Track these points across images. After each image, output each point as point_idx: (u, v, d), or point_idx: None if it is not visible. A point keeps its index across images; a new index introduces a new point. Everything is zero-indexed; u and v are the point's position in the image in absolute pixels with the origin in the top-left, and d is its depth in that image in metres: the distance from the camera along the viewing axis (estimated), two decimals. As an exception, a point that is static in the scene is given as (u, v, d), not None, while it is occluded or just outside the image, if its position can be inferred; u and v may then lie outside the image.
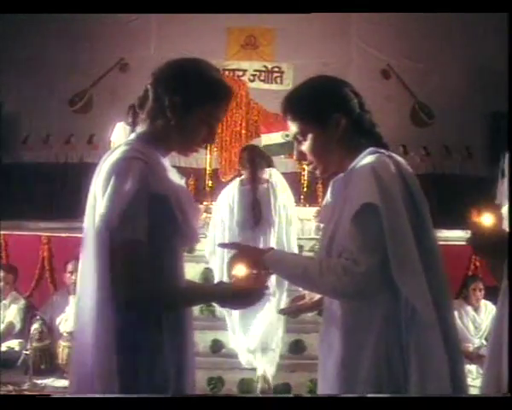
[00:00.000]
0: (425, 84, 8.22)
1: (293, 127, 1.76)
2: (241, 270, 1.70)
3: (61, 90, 8.10)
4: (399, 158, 1.69)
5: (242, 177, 4.56)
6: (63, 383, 4.23)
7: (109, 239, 1.52)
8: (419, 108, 8.27)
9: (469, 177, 8.01)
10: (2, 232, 5.47)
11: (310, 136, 1.73)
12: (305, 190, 6.97)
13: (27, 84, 7.88)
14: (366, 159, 1.65)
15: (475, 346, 4.91)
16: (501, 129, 7.08)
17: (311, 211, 6.40)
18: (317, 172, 1.78)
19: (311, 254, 5.41)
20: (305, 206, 6.42)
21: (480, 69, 7.91)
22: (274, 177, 4.53)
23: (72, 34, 7.85)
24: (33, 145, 8.33)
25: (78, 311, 1.62)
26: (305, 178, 7.05)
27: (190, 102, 1.67)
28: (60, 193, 7.70)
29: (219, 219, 4.49)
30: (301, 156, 1.77)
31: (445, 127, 8.11)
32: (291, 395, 3.87)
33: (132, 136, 1.73)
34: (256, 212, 4.41)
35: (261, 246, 4.11)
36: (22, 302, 5.20)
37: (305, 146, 1.74)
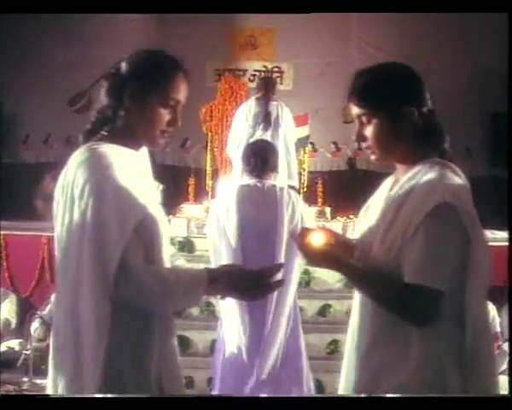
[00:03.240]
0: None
1: (357, 108, 1.70)
2: (319, 239, 1.68)
3: (61, 90, 8.09)
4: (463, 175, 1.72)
5: (258, 95, 6.11)
6: (63, 383, 4.23)
7: None
8: (419, 108, 8.27)
9: (469, 177, 8.00)
10: (3, 232, 5.48)
11: (376, 122, 1.68)
12: (305, 190, 6.96)
13: (27, 84, 7.88)
14: (432, 173, 1.63)
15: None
16: (501, 129, 7.08)
17: (311, 211, 6.40)
18: (373, 157, 1.73)
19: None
20: (304, 206, 6.41)
21: (480, 69, 7.91)
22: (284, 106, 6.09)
23: (72, 34, 7.86)
24: (33, 145, 8.34)
25: None
26: (305, 178, 7.05)
27: (144, 87, 1.69)
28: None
29: (238, 127, 6.03)
30: (361, 138, 1.71)
31: (445, 127, 8.10)
32: (291, 395, 3.86)
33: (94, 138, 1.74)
34: (267, 119, 5.89)
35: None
36: (13, 297, 5.24)
37: (368, 130, 1.69)
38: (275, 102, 6.02)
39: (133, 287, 1.54)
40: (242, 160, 3.63)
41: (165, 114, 1.71)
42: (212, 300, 4.02)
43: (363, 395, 1.52)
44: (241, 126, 6.03)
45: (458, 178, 1.69)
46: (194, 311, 4.52)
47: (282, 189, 3.56)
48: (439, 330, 1.55)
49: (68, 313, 1.57)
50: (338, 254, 1.71)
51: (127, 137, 1.71)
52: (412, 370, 1.54)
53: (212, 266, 3.62)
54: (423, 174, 1.64)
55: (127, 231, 1.55)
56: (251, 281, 1.63)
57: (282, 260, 3.32)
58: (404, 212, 1.60)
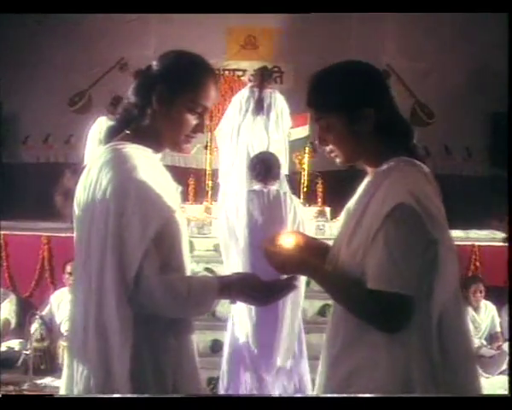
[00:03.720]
0: (425, 84, 8.23)
1: (314, 113, 1.67)
2: (289, 241, 1.64)
3: (60, 91, 8.10)
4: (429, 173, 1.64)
5: (252, 83, 6.40)
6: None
7: None
8: (419, 108, 8.27)
9: (469, 177, 8.01)
10: (3, 232, 5.48)
11: (335, 126, 1.62)
12: (305, 190, 6.96)
13: (27, 84, 7.88)
14: (394, 173, 1.57)
15: (475, 346, 4.91)
16: (501, 129, 7.08)
17: (311, 211, 6.41)
18: (338, 160, 1.68)
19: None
20: (305, 206, 6.42)
21: (480, 69, 7.91)
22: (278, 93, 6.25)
23: (72, 34, 7.85)
24: (33, 145, 8.34)
25: None
26: (305, 178, 7.05)
27: (173, 90, 1.65)
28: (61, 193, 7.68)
29: (231, 114, 6.19)
30: (323, 142, 1.67)
31: (445, 127, 8.11)
32: (291, 395, 3.86)
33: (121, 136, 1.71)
34: (259, 104, 6.08)
35: (262, 127, 6.04)
36: (12, 297, 5.25)
37: (329, 135, 1.64)
38: (268, 90, 6.18)
39: (145, 297, 1.53)
40: (249, 167, 4.07)
41: (192, 120, 1.68)
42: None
43: (362, 396, 1.51)
44: (234, 112, 6.21)
45: (423, 177, 1.60)
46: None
47: (285, 193, 3.97)
48: (408, 334, 1.50)
49: (91, 314, 1.55)
50: (306, 259, 1.65)
51: (151, 138, 1.68)
52: (379, 375, 1.51)
53: (224, 261, 3.99)
54: (386, 175, 1.58)
55: (148, 235, 1.53)
56: (263, 291, 1.64)
57: None
58: (366, 215, 1.56)
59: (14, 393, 4.01)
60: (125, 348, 1.51)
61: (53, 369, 4.54)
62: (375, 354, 1.52)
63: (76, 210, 1.66)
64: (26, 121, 8.20)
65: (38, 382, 4.30)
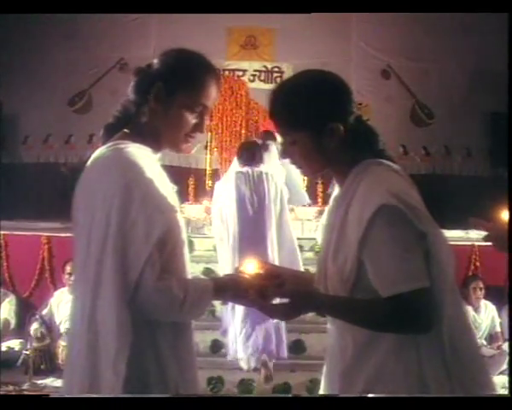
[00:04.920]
0: (425, 84, 8.23)
1: (278, 128, 1.63)
2: (250, 268, 1.62)
3: (60, 90, 8.11)
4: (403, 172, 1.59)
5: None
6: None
7: None
8: (419, 108, 8.27)
9: (469, 177, 8.01)
10: (2, 232, 5.48)
11: (299, 143, 1.58)
12: (305, 190, 6.96)
13: (27, 84, 7.88)
14: (366, 177, 1.53)
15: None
16: (501, 129, 7.08)
17: (311, 211, 6.41)
18: (302, 172, 1.67)
19: (310, 253, 5.43)
20: (305, 206, 6.41)
21: (480, 69, 7.91)
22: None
23: (72, 34, 7.86)
24: (33, 145, 8.34)
25: None
26: (306, 178, 7.04)
27: (173, 88, 1.62)
28: (60, 193, 7.69)
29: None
30: (287, 156, 1.63)
31: (445, 127, 8.11)
32: (291, 395, 3.87)
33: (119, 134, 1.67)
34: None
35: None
36: (12, 297, 5.26)
37: (293, 149, 1.60)
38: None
39: (142, 301, 1.50)
40: (237, 154, 4.82)
41: (191, 119, 1.65)
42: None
43: (363, 396, 1.51)
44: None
45: (396, 175, 1.56)
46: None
47: (266, 173, 4.67)
48: (416, 338, 1.47)
49: (85, 317, 1.51)
50: (304, 292, 1.61)
51: (150, 137, 1.65)
52: (392, 379, 1.48)
53: (217, 242, 4.58)
54: (359, 180, 1.53)
55: (153, 238, 1.50)
56: (251, 292, 1.62)
57: (272, 227, 4.45)
58: (348, 225, 1.51)
59: (14, 393, 4.01)
60: (121, 354, 1.48)
61: (53, 369, 4.54)
62: (387, 359, 1.50)
63: (75, 210, 1.63)
64: (26, 121, 8.20)
65: (38, 382, 4.30)
